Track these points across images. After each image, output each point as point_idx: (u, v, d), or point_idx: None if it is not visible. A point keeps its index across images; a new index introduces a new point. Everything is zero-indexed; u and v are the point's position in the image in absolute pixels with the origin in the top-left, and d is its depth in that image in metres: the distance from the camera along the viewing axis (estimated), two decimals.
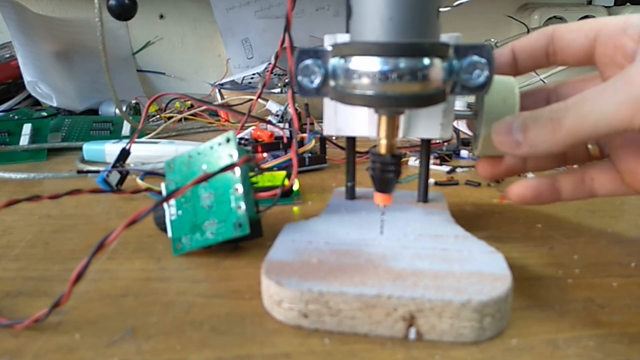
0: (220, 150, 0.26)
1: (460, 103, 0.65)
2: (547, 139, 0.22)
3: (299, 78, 0.23)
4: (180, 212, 0.27)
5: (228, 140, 0.26)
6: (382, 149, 0.23)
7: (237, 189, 0.26)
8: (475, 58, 0.22)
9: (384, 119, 0.23)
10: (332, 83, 0.22)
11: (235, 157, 0.26)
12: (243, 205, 0.25)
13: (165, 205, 0.28)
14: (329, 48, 0.22)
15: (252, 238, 0.26)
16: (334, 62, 0.22)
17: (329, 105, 0.28)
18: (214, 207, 0.26)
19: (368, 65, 0.20)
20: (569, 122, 0.21)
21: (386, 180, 0.24)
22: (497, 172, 0.28)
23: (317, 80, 0.22)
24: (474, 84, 0.22)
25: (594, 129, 0.21)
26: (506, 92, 0.26)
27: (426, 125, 0.28)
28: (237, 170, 0.26)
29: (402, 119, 0.27)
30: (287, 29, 0.25)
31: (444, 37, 0.24)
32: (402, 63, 0.20)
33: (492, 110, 0.26)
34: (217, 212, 0.26)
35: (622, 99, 0.20)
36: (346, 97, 0.22)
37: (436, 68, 0.21)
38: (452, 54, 0.22)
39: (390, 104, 0.21)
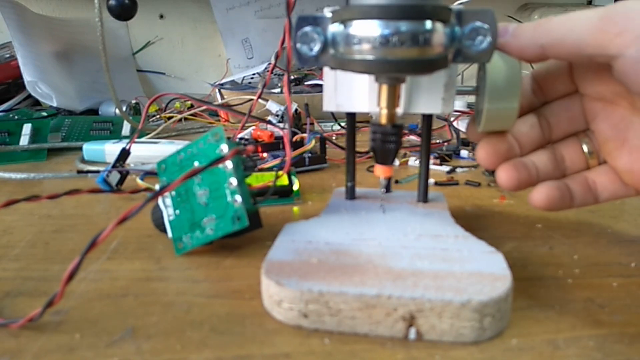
0: (210, 146, 0.27)
1: (460, 103, 0.65)
2: (528, 32, 0.23)
3: (298, 46, 0.22)
4: (177, 211, 0.27)
5: (216, 135, 0.26)
6: (383, 119, 0.23)
7: (231, 183, 0.26)
8: (478, 24, 0.21)
9: (384, 88, 0.23)
10: (331, 51, 0.22)
11: (226, 151, 0.26)
12: (239, 198, 0.25)
13: (162, 206, 0.28)
14: (329, 15, 0.22)
15: (252, 229, 0.26)
16: (333, 28, 0.22)
17: (329, 80, 0.28)
18: (210, 203, 0.26)
19: (368, 30, 0.20)
20: (553, 22, 0.22)
21: (387, 151, 0.23)
22: (522, 180, 0.27)
23: (316, 48, 0.22)
24: (476, 50, 0.21)
25: (568, 35, 0.22)
26: (509, 63, 0.25)
27: (427, 99, 0.27)
28: (229, 163, 0.26)
29: (403, 93, 0.27)
30: (288, 13, 0.25)
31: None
32: (403, 26, 0.20)
33: (494, 82, 0.25)
34: (214, 207, 0.26)
35: (600, 17, 0.21)
36: (346, 64, 0.21)
37: (438, 32, 0.20)
38: (455, 20, 0.21)
39: (390, 69, 0.20)
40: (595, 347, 0.19)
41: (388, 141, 0.23)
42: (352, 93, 0.28)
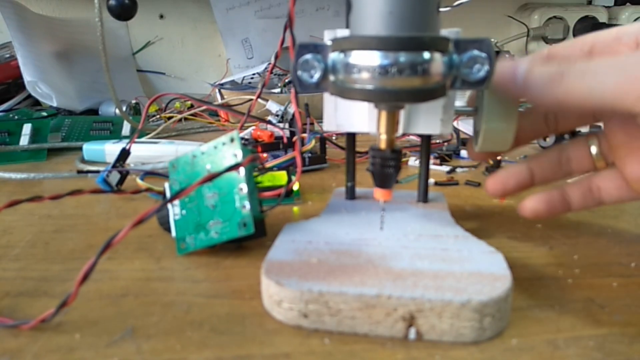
0: (225, 150, 0.27)
1: (460, 103, 0.65)
2: (544, 87, 0.22)
3: (299, 73, 0.22)
4: (184, 211, 0.27)
5: (232, 140, 0.26)
6: (382, 144, 0.23)
7: (241, 189, 0.26)
8: (476, 52, 0.21)
9: (383, 114, 0.23)
10: (331, 78, 0.22)
11: (240, 156, 0.26)
12: (248, 205, 0.25)
13: (169, 204, 0.28)
14: (329, 43, 0.22)
15: (256, 237, 0.26)
16: (333, 56, 0.22)
17: (329, 101, 0.28)
18: (218, 206, 0.26)
19: (368, 60, 0.20)
20: (569, 79, 0.21)
21: (386, 175, 0.24)
22: (508, 188, 0.28)
23: (316, 75, 0.22)
24: (474, 78, 0.22)
25: (589, 95, 0.21)
26: None
27: (426, 121, 0.27)
28: (242, 170, 0.26)
29: (402, 115, 0.27)
30: (289, 27, 0.25)
31: (444, 33, 0.24)
32: (402, 57, 0.20)
33: (492, 105, 0.26)
34: (221, 211, 0.26)
35: (622, 78, 0.20)
36: (346, 92, 0.22)
37: (436, 62, 0.21)
38: (452, 49, 0.22)
39: (390, 99, 0.21)
40: (595, 347, 0.19)
41: (387, 166, 0.23)
42: (352, 113, 0.28)
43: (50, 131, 0.53)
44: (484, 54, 0.21)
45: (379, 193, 0.24)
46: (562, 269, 0.26)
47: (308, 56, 0.22)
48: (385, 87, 0.20)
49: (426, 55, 0.20)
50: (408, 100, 0.21)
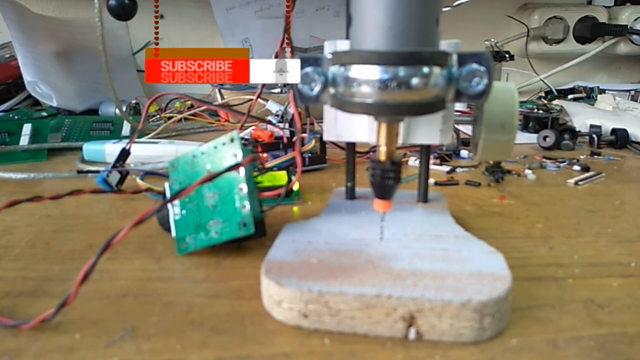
0: (225, 150, 0.27)
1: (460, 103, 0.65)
2: None
3: (299, 85, 0.23)
4: (184, 211, 0.27)
5: (232, 140, 0.26)
6: (382, 156, 0.24)
7: (241, 189, 0.26)
8: (475, 66, 0.22)
9: (383, 126, 0.23)
10: (331, 90, 0.22)
11: (240, 156, 0.26)
12: (248, 205, 0.25)
13: (169, 204, 0.28)
14: (329, 56, 0.22)
15: (256, 237, 0.26)
16: (333, 70, 0.22)
17: (329, 112, 0.28)
18: (218, 206, 0.26)
19: (368, 74, 0.21)
20: None
21: (386, 187, 0.24)
22: None
23: (317, 88, 0.23)
24: (473, 91, 0.22)
25: None
26: (506, 97, 0.26)
27: (425, 131, 0.28)
28: (242, 170, 0.26)
29: (401, 125, 0.27)
30: (287, 31, 0.26)
31: (444, 44, 0.24)
32: (402, 72, 0.20)
33: (492, 116, 0.26)
34: (221, 211, 0.26)
35: None
36: (346, 105, 0.22)
37: (435, 76, 0.21)
38: (452, 62, 0.22)
39: (389, 112, 0.21)
40: (595, 347, 0.19)
41: (387, 177, 0.23)
42: (352, 123, 0.28)
43: (50, 131, 0.53)
44: (482, 68, 0.22)
45: (378, 204, 0.24)
46: (562, 269, 0.26)
47: (308, 69, 0.22)
48: (384, 101, 0.21)
49: (425, 69, 0.20)
50: (407, 114, 0.21)
